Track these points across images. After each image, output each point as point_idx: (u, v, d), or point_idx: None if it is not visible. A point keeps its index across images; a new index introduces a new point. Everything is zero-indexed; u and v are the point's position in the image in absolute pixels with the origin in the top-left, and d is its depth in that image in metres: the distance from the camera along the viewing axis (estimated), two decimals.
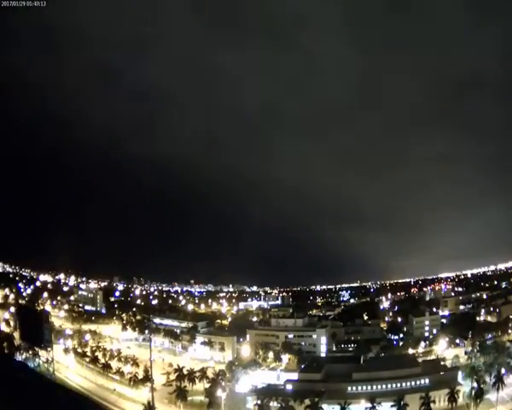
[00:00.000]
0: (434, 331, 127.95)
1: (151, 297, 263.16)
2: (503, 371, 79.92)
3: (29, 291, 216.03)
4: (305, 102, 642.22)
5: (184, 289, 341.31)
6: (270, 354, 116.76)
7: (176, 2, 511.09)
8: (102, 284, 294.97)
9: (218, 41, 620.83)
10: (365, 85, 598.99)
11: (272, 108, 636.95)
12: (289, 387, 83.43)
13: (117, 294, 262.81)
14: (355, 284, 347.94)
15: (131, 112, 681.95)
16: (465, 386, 77.38)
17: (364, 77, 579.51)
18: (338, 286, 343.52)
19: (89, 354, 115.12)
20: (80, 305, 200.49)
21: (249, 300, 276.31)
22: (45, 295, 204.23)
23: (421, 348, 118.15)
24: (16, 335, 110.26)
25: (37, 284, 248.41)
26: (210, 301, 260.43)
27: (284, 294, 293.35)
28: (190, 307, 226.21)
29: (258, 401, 77.21)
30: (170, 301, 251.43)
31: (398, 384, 78.34)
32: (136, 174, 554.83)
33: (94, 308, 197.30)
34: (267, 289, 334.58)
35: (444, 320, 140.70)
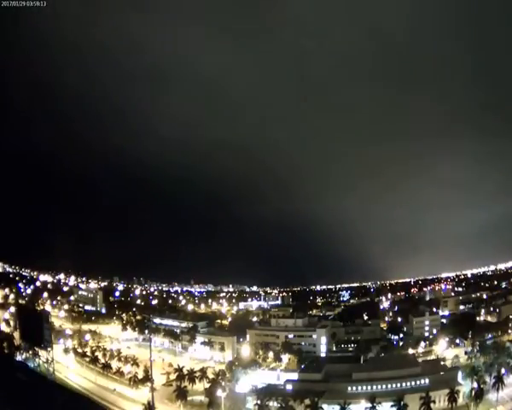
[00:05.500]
0: (434, 331, 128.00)
1: (151, 297, 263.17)
2: (503, 371, 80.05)
3: (29, 291, 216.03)
4: None
5: (184, 289, 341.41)
6: (270, 354, 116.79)
7: None
8: (102, 284, 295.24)
9: None
10: None
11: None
12: (289, 387, 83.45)
13: (117, 294, 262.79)
14: (355, 284, 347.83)
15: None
16: (465, 386, 77.48)
17: None
18: (338, 286, 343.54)
19: (89, 354, 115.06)
20: (80, 305, 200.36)
21: (249, 300, 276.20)
22: (45, 295, 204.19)
23: (421, 348, 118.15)
24: (16, 335, 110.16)
25: (37, 284, 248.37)
26: (210, 301, 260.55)
27: (284, 294, 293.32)
28: (190, 307, 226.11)
29: (258, 401, 77.19)
30: (170, 301, 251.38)
31: (398, 384, 78.37)
32: (136, 175, 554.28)
33: (94, 308, 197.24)
34: (267, 289, 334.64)
35: (444, 320, 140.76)
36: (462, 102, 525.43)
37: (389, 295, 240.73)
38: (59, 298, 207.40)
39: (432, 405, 70.75)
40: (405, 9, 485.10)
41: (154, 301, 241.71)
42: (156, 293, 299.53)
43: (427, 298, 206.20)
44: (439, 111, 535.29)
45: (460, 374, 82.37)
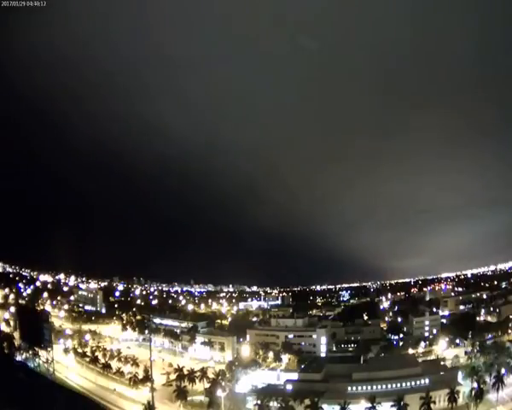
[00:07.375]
0: (434, 331, 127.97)
1: (151, 297, 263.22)
2: (503, 371, 79.97)
3: (29, 291, 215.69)
4: None
5: (184, 289, 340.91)
6: (270, 354, 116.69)
7: None
8: (102, 284, 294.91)
9: None
10: None
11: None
12: (289, 387, 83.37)
13: (117, 294, 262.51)
14: (355, 284, 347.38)
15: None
16: (465, 386, 77.42)
17: None
18: (338, 286, 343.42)
19: (89, 354, 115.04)
20: (80, 305, 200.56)
21: (249, 300, 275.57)
22: (45, 295, 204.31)
23: (421, 348, 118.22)
24: (16, 335, 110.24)
25: (37, 284, 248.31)
26: (210, 301, 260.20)
27: (284, 294, 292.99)
28: (190, 307, 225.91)
29: (258, 401, 77.17)
30: (170, 301, 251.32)
31: (398, 384, 78.31)
32: (136, 177, 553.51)
33: (94, 308, 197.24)
34: (267, 289, 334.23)
35: (444, 320, 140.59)
36: None
37: (389, 295, 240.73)
38: (59, 298, 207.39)
39: (432, 405, 70.70)
40: None
41: (154, 301, 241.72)
42: (156, 293, 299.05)
43: (427, 298, 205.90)
44: None
45: (460, 374, 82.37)
